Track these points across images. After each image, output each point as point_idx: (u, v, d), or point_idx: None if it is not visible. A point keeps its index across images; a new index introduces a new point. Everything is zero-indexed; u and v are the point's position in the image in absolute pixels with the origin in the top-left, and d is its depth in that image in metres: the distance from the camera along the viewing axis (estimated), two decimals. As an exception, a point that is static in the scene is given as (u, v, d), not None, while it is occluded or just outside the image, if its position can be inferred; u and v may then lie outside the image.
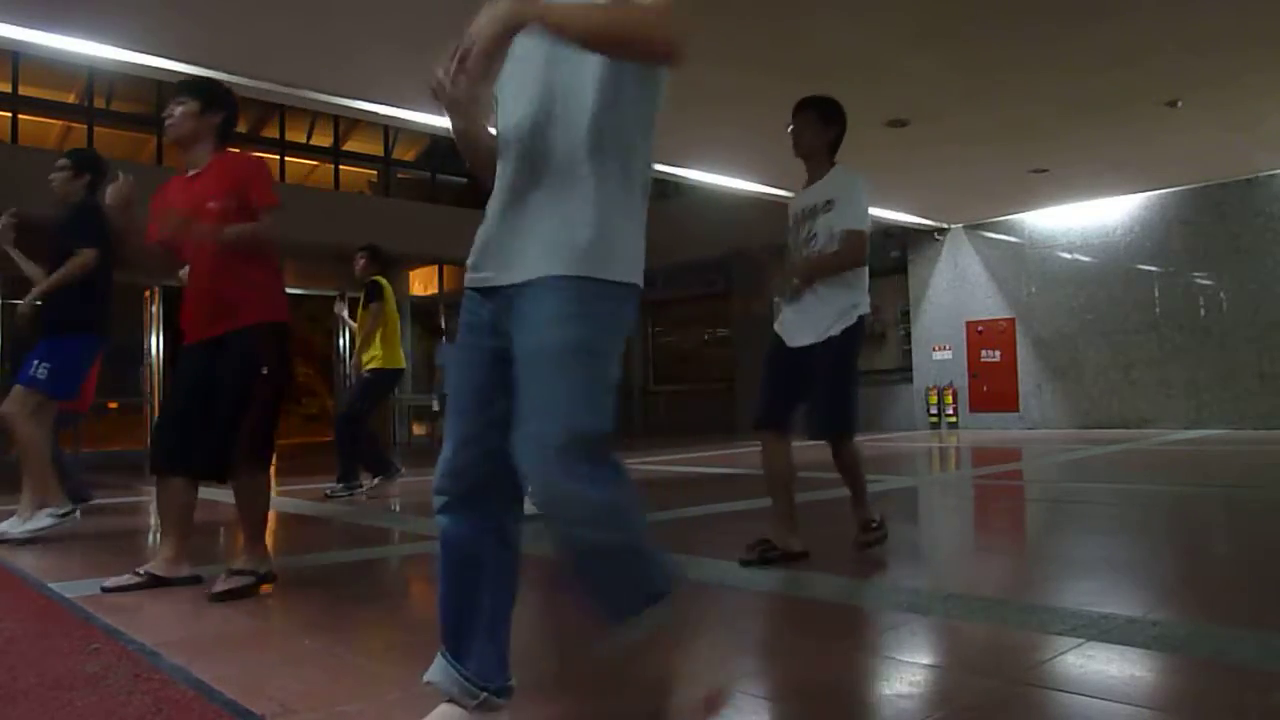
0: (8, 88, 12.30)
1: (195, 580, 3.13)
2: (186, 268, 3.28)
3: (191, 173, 3.22)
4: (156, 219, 3.10)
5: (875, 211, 12.10)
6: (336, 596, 3.05)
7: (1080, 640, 2.11)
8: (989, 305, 13.36)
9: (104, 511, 5.53)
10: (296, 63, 7.02)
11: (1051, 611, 2.45)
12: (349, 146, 15.81)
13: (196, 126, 3.18)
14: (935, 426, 13.51)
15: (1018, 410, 13.01)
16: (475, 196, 15.06)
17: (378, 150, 16.04)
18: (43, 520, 4.24)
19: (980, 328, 13.44)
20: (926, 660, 2.23)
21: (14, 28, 6.10)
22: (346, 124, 15.21)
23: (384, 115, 8.45)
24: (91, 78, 12.67)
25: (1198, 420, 11.35)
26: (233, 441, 3.05)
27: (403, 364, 6.69)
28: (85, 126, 12.98)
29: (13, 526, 4.21)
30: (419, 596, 3.25)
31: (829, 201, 3.36)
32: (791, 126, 3.47)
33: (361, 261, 6.68)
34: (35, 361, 4.41)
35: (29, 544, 4.13)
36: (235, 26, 6.26)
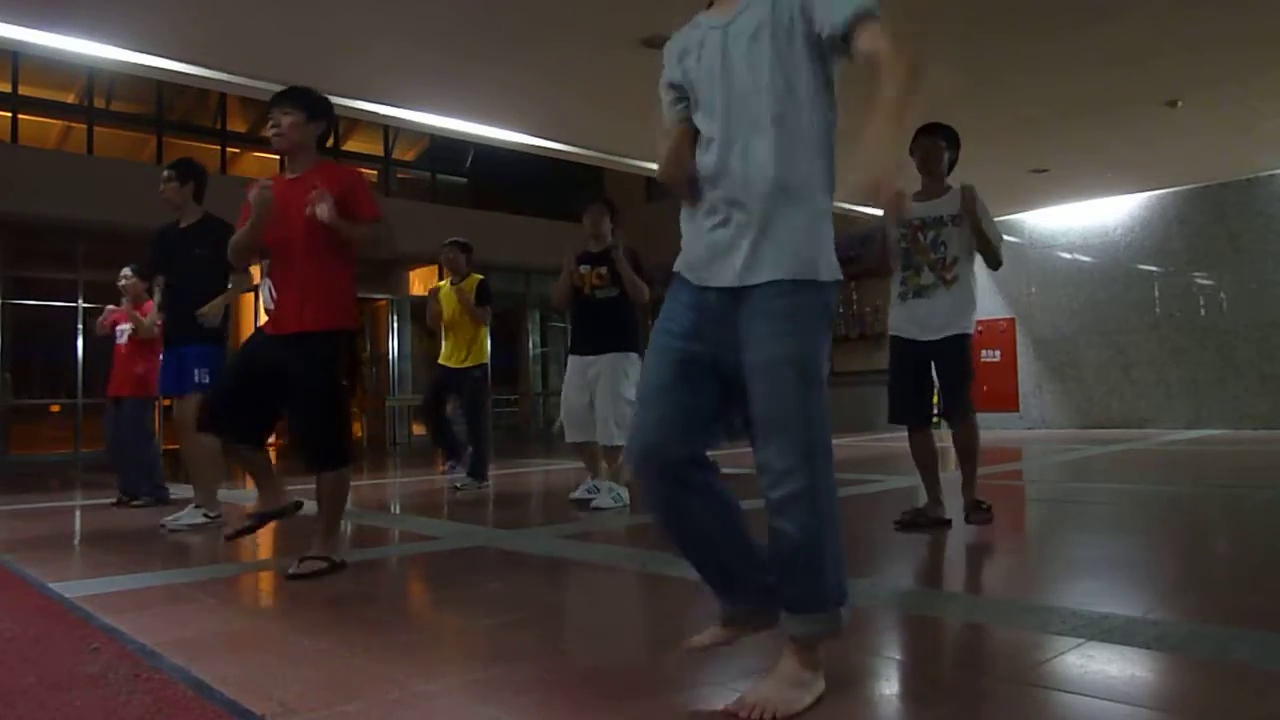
0: (8, 88, 12.28)
1: (298, 506, 3.51)
2: (266, 262, 3.39)
3: (291, 176, 3.30)
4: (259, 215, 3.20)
5: (876, 211, 12.21)
6: (336, 596, 3.05)
7: (1080, 640, 2.11)
8: (989, 305, 13.33)
9: (105, 511, 5.52)
10: (296, 62, 7.01)
11: (1051, 611, 2.45)
12: (349, 146, 15.80)
13: (302, 136, 3.28)
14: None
15: (1018, 410, 13.01)
16: (475, 197, 15.22)
17: (378, 150, 16.03)
18: (197, 516, 4.59)
19: (980, 328, 13.40)
20: (927, 660, 2.23)
21: (14, 28, 6.10)
22: (346, 124, 15.19)
23: (384, 115, 8.45)
24: (91, 78, 12.66)
25: (1198, 420, 11.35)
26: (321, 436, 3.25)
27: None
28: (85, 126, 12.97)
29: (189, 516, 4.57)
30: (419, 596, 3.25)
31: (955, 217, 3.91)
32: (919, 147, 3.96)
33: (463, 257, 6.30)
34: (195, 369, 4.71)
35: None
36: (235, 26, 6.26)
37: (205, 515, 4.57)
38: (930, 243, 3.90)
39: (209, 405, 3.47)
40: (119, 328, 5.91)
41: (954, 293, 3.88)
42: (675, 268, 1.88)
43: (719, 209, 1.80)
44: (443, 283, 6.40)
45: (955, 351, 3.90)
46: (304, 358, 3.18)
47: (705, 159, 1.82)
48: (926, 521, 3.93)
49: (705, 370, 1.79)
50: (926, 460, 4.03)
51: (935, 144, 3.97)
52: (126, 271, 5.95)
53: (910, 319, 3.94)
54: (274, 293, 3.27)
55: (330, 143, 15.21)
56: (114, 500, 5.72)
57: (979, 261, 3.98)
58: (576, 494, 5.30)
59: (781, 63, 1.75)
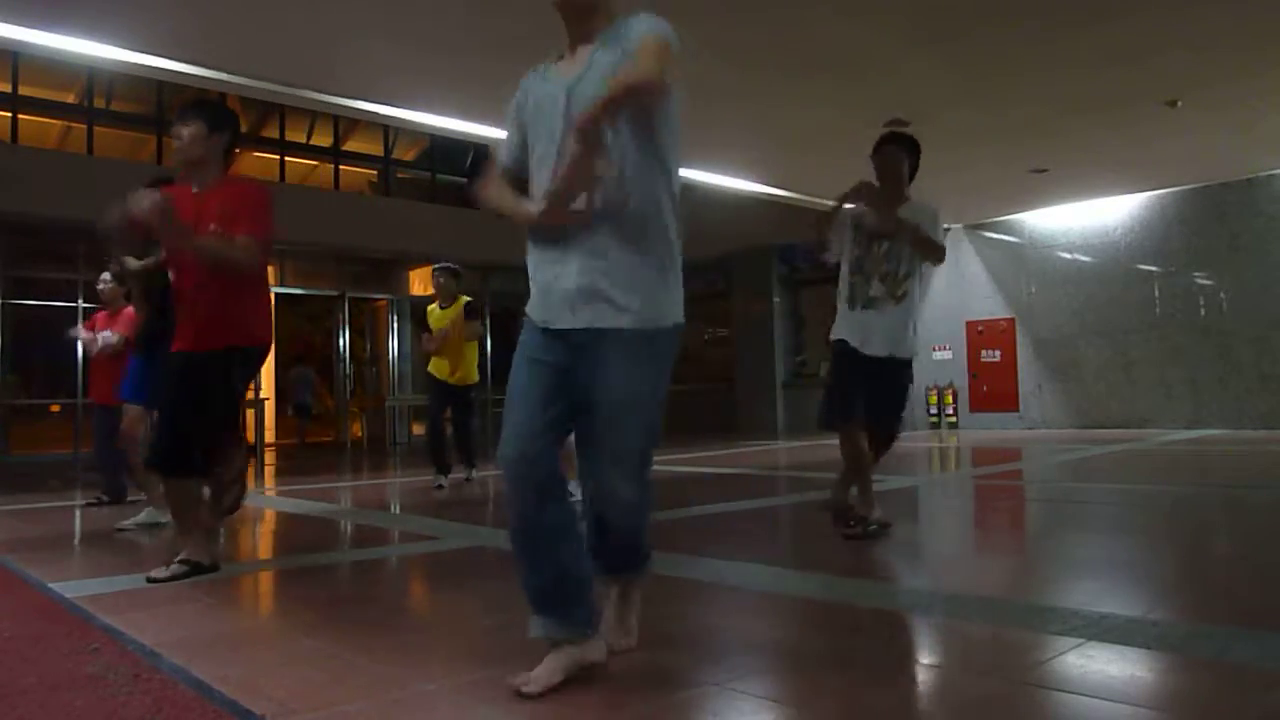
0: (8, 88, 12.28)
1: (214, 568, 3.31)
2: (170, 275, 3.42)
3: (197, 189, 3.29)
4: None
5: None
6: (336, 596, 3.05)
7: (1080, 640, 2.11)
8: (989, 305, 13.36)
9: (105, 511, 5.52)
10: (296, 63, 7.02)
11: (1051, 611, 2.45)
12: (349, 146, 15.79)
13: (205, 149, 3.28)
14: (935, 426, 13.51)
15: (1018, 410, 13.01)
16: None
17: (378, 150, 16.02)
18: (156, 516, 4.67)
19: (980, 328, 13.44)
20: (927, 660, 2.23)
21: (14, 28, 6.10)
22: (346, 124, 15.19)
23: (384, 115, 8.45)
24: (91, 78, 12.66)
25: (1198, 420, 11.35)
26: (174, 441, 3.23)
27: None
28: (85, 126, 12.96)
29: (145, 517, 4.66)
30: (419, 596, 3.25)
31: (915, 229, 3.75)
32: (878, 156, 3.90)
33: (454, 283, 6.66)
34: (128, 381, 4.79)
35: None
36: (235, 26, 6.26)
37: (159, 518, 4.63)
38: (884, 253, 3.79)
39: (157, 444, 3.35)
40: (99, 334, 5.82)
41: (902, 309, 3.77)
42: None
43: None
44: (432, 306, 6.73)
45: (894, 375, 3.82)
46: (193, 370, 3.21)
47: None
48: (876, 527, 3.78)
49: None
50: (860, 460, 3.84)
51: (894, 153, 3.88)
52: (105, 276, 5.84)
53: (854, 328, 3.81)
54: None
55: (330, 142, 15.32)
56: (95, 500, 5.79)
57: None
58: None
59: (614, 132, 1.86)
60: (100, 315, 5.95)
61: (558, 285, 1.90)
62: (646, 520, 2.09)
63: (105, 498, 5.81)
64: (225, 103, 3.57)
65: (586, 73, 1.90)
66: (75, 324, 12.29)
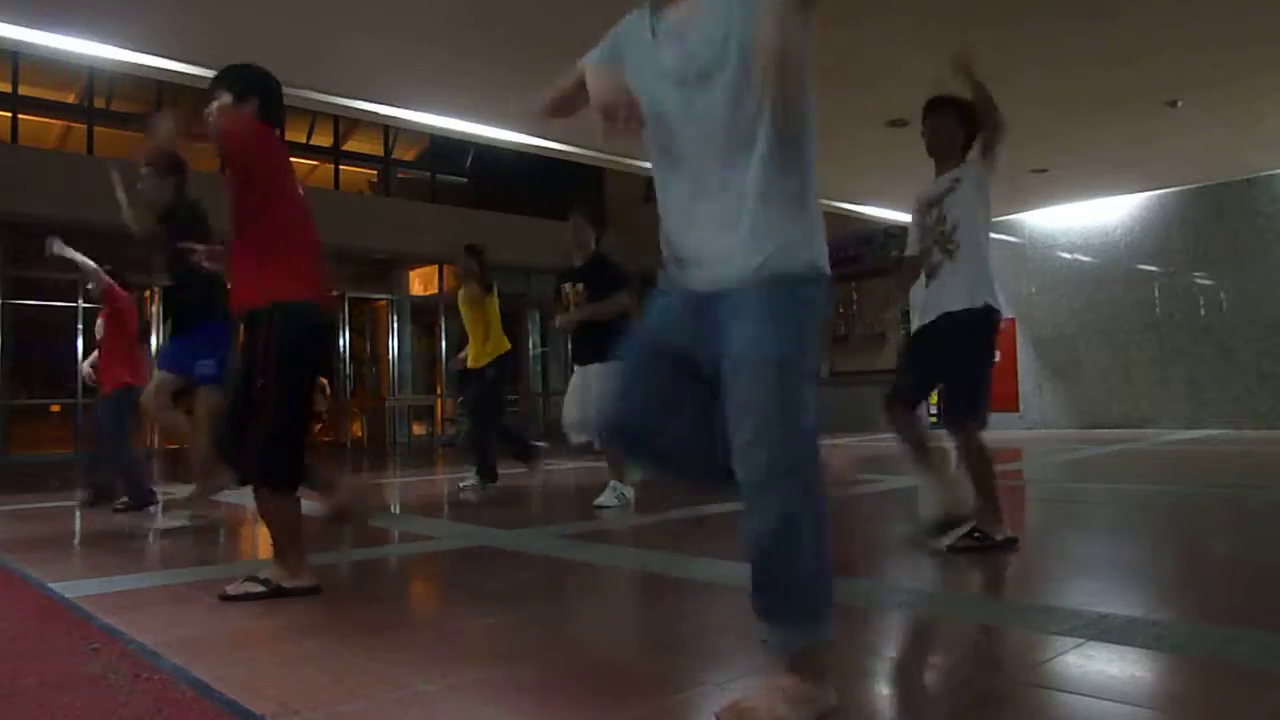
0: (8, 88, 12.29)
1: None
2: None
3: None
4: None
5: (876, 212, 12.12)
6: (336, 597, 3.05)
7: (1080, 640, 2.11)
8: (989, 305, 13.34)
9: (105, 511, 5.52)
10: (296, 62, 7.00)
11: (1051, 611, 2.45)
12: (349, 146, 15.80)
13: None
14: (936, 426, 13.48)
15: (1018, 410, 13.01)
16: (475, 197, 15.13)
17: (378, 150, 16.03)
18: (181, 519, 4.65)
19: (980, 328, 13.42)
20: (926, 660, 2.23)
21: (14, 28, 6.10)
22: (346, 124, 15.20)
23: (384, 115, 8.44)
24: (91, 78, 12.66)
25: (1198, 420, 11.35)
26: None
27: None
28: (85, 126, 12.97)
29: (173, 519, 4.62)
30: (419, 596, 3.25)
31: (956, 180, 3.52)
32: (927, 125, 3.62)
33: (474, 262, 6.22)
34: (196, 358, 4.70)
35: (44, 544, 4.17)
36: (234, 26, 6.25)
37: (191, 517, 4.57)
38: (935, 220, 3.56)
39: (223, 434, 2.96)
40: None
41: (959, 264, 3.44)
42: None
43: None
44: (463, 290, 6.30)
45: (959, 329, 3.41)
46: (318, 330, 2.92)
47: None
48: (990, 541, 3.38)
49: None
50: (923, 442, 3.55)
51: (944, 123, 3.59)
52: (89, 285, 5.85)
53: (924, 306, 3.58)
54: None
55: (330, 142, 15.32)
56: (87, 499, 5.74)
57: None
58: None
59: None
60: (101, 315, 5.94)
61: None
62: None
63: (128, 500, 5.38)
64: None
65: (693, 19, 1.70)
66: (75, 324, 12.37)
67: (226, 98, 3.00)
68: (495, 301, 6.17)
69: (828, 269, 1.71)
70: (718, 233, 1.67)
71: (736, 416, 1.60)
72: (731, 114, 1.65)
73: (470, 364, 6.13)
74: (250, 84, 3.09)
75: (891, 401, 3.56)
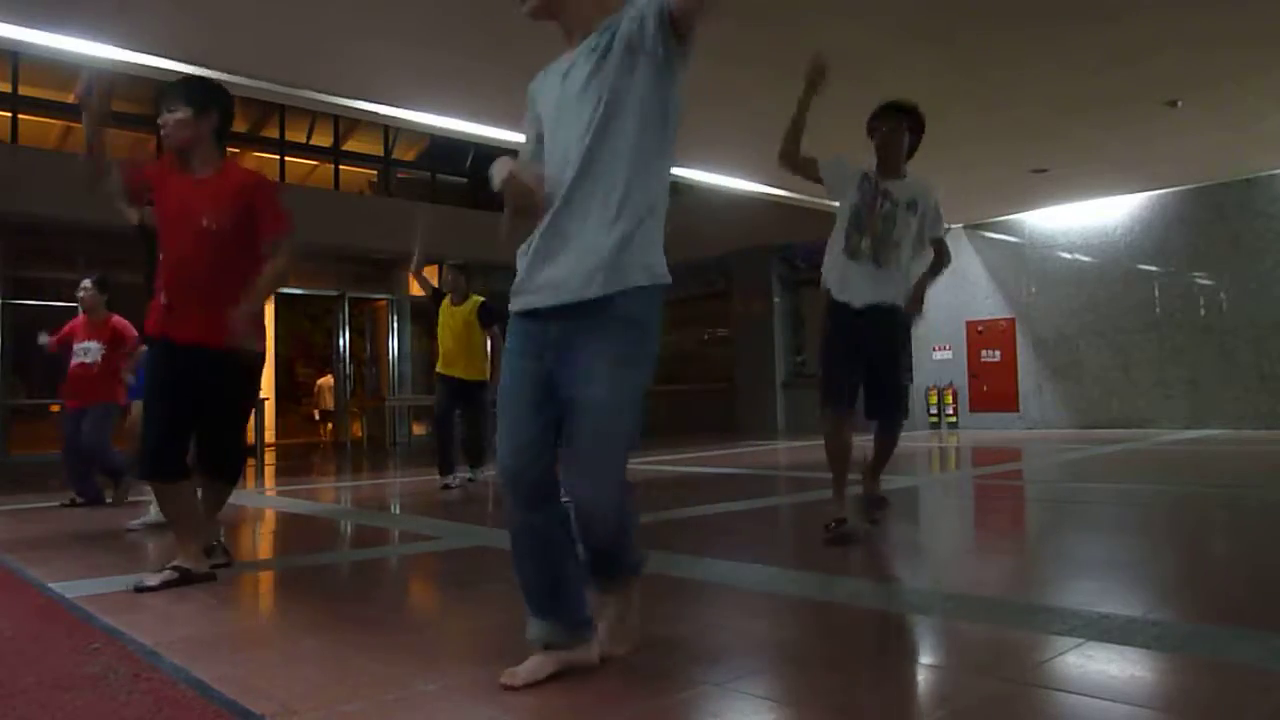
0: (8, 88, 12.28)
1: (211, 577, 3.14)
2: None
3: (199, 176, 3.13)
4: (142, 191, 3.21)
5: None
6: (336, 596, 3.05)
7: (1080, 640, 2.11)
8: (989, 305, 13.35)
9: (105, 511, 5.52)
10: (296, 62, 7.01)
11: (1051, 611, 2.45)
12: (349, 146, 15.80)
13: (193, 132, 3.11)
14: (935, 426, 13.50)
15: (1018, 410, 13.01)
16: (475, 197, 15.16)
17: (378, 150, 16.03)
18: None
19: (980, 328, 13.44)
20: (926, 660, 2.23)
21: (14, 28, 6.10)
22: (346, 124, 15.20)
23: (384, 115, 8.45)
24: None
25: (1198, 420, 11.35)
26: (230, 449, 3.32)
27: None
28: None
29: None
30: (419, 596, 3.25)
31: (912, 202, 3.68)
32: (880, 127, 3.76)
33: (463, 279, 6.64)
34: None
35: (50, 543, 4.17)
36: (235, 26, 6.26)
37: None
38: (884, 214, 3.65)
39: (147, 448, 3.07)
40: (78, 346, 5.75)
41: (884, 271, 3.63)
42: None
43: None
44: (445, 302, 6.65)
45: (880, 326, 3.63)
46: (220, 370, 3.05)
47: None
48: (858, 528, 3.65)
49: None
50: (843, 454, 3.69)
51: (898, 128, 3.74)
52: (86, 284, 5.78)
53: (834, 271, 3.69)
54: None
55: (330, 142, 15.32)
56: (69, 501, 5.79)
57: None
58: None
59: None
60: (79, 321, 5.89)
61: None
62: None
63: (80, 500, 5.74)
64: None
65: (578, 59, 2.00)
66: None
67: (186, 111, 3.10)
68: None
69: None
70: None
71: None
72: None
73: (463, 375, 6.47)
74: (209, 98, 3.20)
75: (835, 399, 3.72)
